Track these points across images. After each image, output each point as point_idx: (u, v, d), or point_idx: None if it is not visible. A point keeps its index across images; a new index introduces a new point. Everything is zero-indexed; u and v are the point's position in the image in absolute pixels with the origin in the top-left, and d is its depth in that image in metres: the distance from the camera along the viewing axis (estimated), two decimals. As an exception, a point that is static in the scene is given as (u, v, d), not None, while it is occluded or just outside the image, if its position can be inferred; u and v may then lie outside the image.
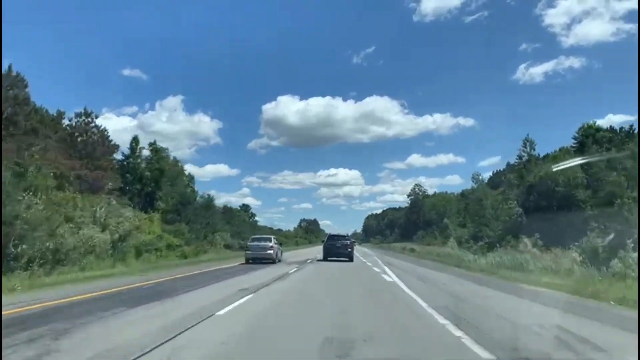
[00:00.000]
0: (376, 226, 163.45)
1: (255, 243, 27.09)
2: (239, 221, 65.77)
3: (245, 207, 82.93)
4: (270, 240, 27.43)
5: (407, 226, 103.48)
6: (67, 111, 34.69)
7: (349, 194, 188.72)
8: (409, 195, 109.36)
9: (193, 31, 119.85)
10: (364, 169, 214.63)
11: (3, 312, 7.81)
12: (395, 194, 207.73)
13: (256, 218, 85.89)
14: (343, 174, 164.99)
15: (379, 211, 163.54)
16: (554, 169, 31.17)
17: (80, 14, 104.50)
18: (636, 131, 37.22)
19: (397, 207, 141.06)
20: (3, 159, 16.02)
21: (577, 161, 29.83)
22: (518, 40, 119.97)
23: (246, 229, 62.94)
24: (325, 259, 28.67)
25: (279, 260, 27.15)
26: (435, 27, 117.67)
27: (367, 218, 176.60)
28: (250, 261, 25.28)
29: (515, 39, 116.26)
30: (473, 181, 63.63)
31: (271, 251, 26.02)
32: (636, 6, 75.75)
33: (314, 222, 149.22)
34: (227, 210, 65.91)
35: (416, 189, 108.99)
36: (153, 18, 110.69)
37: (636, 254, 13.63)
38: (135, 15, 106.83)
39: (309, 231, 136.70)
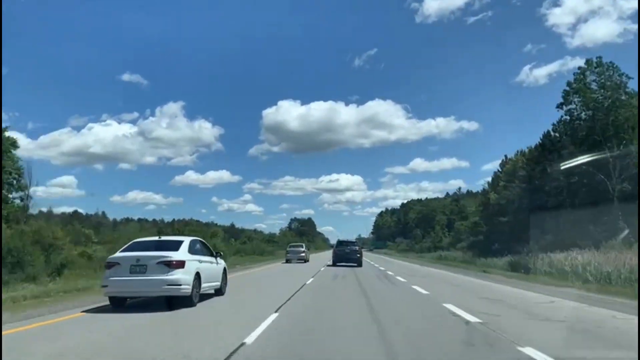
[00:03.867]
0: (395, 225, 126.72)
1: (292, 249, 40.18)
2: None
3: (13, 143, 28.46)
4: (303, 247, 40.85)
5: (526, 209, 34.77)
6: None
7: (351, 200, 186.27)
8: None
9: (193, 36, 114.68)
10: (366, 174, 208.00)
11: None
12: (397, 199, 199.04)
13: (261, 225, 50.00)
14: (345, 179, 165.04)
15: (397, 206, 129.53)
16: (562, 167, 30.34)
17: (78, 18, 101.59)
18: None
19: (422, 198, 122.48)
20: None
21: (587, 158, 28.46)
22: (522, 41, 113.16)
23: None
24: (334, 264, 30.39)
25: (308, 260, 38.66)
26: (438, 29, 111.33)
27: (380, 215, 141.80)
28: (289, 261, 37.07)
29: (519, 40, 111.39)
30: None
31: (303, 254, 38.72)
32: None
33: (309, 222, 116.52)
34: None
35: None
36: (152, 22, 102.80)
37: None
38: (134, 20, 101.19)
39: (302, 234, 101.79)
